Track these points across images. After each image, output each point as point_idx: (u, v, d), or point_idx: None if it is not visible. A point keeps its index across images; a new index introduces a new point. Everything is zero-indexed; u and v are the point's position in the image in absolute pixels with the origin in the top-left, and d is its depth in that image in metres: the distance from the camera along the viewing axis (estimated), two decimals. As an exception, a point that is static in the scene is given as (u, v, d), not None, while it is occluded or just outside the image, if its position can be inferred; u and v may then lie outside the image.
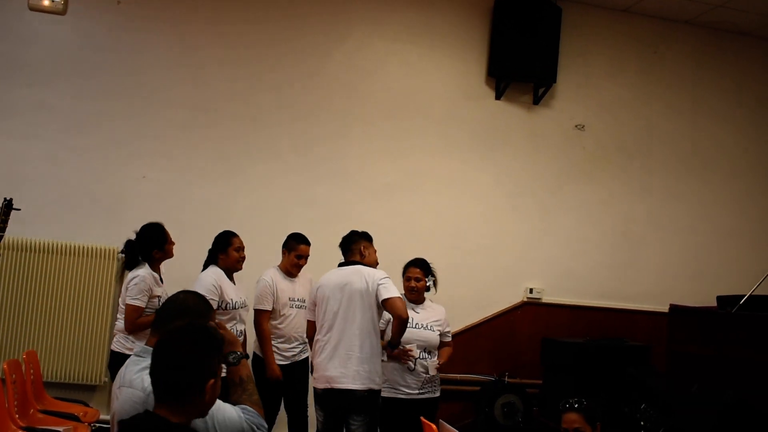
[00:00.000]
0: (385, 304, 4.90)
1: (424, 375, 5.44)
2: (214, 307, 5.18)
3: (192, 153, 6.85)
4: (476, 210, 7.43)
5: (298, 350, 5.87)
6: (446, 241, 7.29)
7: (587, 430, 3.99)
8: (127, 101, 6.75)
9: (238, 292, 5.53)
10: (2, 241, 5.13)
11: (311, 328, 5.19)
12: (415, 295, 5.60)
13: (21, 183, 6.49)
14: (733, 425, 5.69)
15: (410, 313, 5.17)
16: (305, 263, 5.90)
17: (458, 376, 7.07)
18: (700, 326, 6.91)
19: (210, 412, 2.62)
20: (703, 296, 7.38)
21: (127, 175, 6.72)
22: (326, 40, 7.18)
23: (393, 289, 4.94)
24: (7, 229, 6.22)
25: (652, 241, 7.83)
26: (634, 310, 7.63)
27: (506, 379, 6.96)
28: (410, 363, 5.35)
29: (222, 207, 6.82)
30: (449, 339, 5.72)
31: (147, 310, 5.16)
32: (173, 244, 5.44)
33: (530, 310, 7.44)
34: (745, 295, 6.18)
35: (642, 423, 5.94)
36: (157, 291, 5.22)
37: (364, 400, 4.90)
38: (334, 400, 4.92)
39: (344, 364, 4.86)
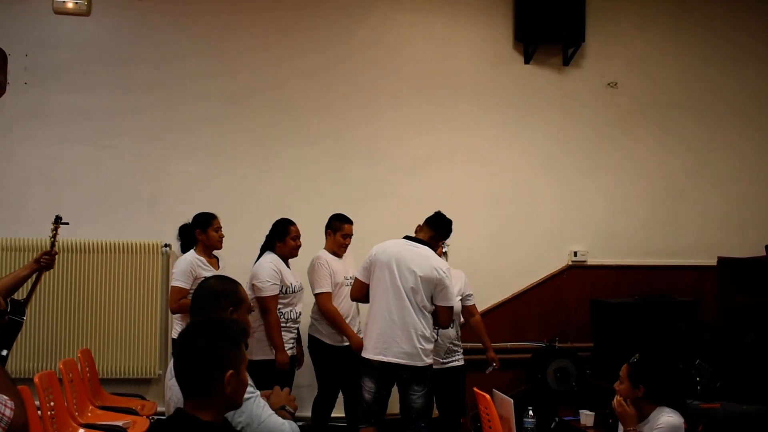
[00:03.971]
0: (437, 307, 4.99)
1: (447, 345, 5.70)
2: (276, 292, 5.42)
3: (226, 142, 6.88)
4: (513, 176, 7.37)
5: (356, 329, 5.91)
6: (485, 210, 7.25)
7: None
8: (158, 96, 6.78)
9: (296, 276, 5.69)
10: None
11: (363, 288, 5.15)
12: None
13: (61, 186, 6.60)
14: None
15: None
16: (350, 242, 5.97)
17: (508, 344, 7.06)
18: (750, 277, 6.85)
19: (250, 410, 2.80)
20: (749, 246, 7.30)
21: (163, 169, 6.77)
22: (349, 19, 7.13)
23: (451, 297, 5.00)
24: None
25: (694, 195, 7.70)
26: (679, 265, 7.52)
27: (557, 344, 6.95)
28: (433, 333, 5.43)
29: (260, 193, 6.86)
30: (471, 302, 5.96)
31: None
32: (219, 233, 5.57)
33: (576, 273, 7.37)
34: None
35: (698, 379, 5.89)
36: (205, 274, 5.25)
37: (426, 373, 4.98)
38: (392, 372, 4.95)
39: (408, 342, 4.90)
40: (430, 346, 5.02)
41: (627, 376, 3.83)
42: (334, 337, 5.85)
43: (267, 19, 6.99)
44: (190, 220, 5.62)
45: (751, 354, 5.91)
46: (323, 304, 5.80)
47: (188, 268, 5.39)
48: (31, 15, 6.62)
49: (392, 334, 4.91)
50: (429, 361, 5.01)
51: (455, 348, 5.81)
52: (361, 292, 5.19)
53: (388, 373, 4.96)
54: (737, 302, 6.91)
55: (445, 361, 5.71)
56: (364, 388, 5.05)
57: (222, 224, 5.62)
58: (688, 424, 3.98)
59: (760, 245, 6.99)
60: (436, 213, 5.27)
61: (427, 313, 4.97)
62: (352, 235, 5.97)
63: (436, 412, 5.97)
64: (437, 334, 5.42)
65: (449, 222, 5.25)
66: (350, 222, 5.96)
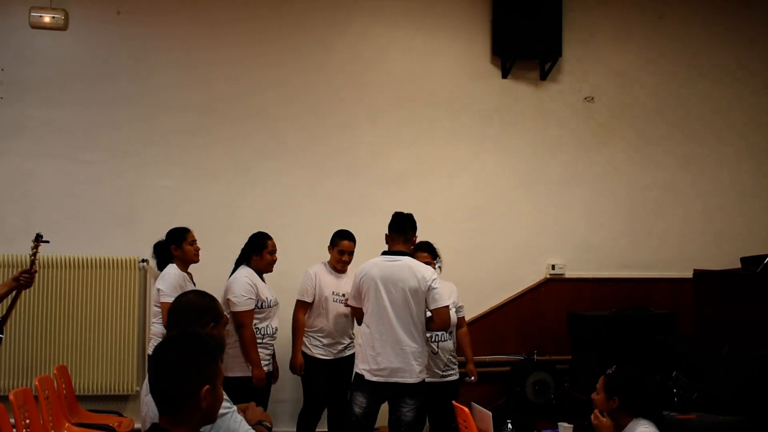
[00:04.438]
0: (432, 312, 4.96)
1: (447, 357, 5.73)
2: (252, 306, 5.34)
3: (202, 155, 6.87)
4: (491, 190, 7.40)
5: (342, 345, 5.91)
6: (463, 224, 7.28)
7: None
8: (134, 110, 6.77)
9: (271, 291, 5.64)
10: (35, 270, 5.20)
11: (359, 314, 5.16)
12: None
13: (36, 201, 6.56)
14: (765, 383, 5.67)
15: None
16: (349, 259, 5.92)
17: (487, 357, 7.06)
18: (726, 289, 6.88)
19: (227, 425, 2.76)
20: (726, 259, 7.33)
21: (139, 184, 6.75)
22: (328, 33, 7.16)
23: (443, 297, 4.97)
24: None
25: (671, 207, 7.75)
26: (657, 278, 7.57)
27: (535, 357, 6.97)
28: (433, 346, 5.43)
29: (237, 207, 6.85)
30: (461, 314, 6.00)
31: None
32: (195, 246, 5.50)
33: (554, 286, 7.41)
34: (768, 255, 6.14)
35: (675, 390, 5.92)
36: (190, 289, 5.19)
37: (418, 388, 4.97)
38: (385, 389, 4.94)
39: (400, 359, 4.89)
40: (424, 362, 5.03)
41: (603, 387, 3.84)
42: (321, 350, 5.84)
43: (244, 31, 6.99)
44: (164, 236, 5.56)
45: (726, 365, 5.94)
46: (294, 311, 5.85)
47: (177, 282, 5.29)
48: (7, 29, 6.60)
49: (385, 356, 4.88)
50: (423, 376, 5.01)
51: (453, 361, 5.81)
52: (360, 316, 5.18)
53: (381, 389, 4.95)
54: (713, 314, 6.95)
55: (444, 374, 5.72)
56: (355, 402, 5.01)
57: (198, 238, 5.58)
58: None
59: (736, 258, 7.04)
60: (393, 216, 5.17)
61: (420, 327, 4.96)
62: (350, 252, 5.90)
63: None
64: (437, 347, 5.42)
65: (409, 217, 5.14)
66: (349, 239, 5.90)
